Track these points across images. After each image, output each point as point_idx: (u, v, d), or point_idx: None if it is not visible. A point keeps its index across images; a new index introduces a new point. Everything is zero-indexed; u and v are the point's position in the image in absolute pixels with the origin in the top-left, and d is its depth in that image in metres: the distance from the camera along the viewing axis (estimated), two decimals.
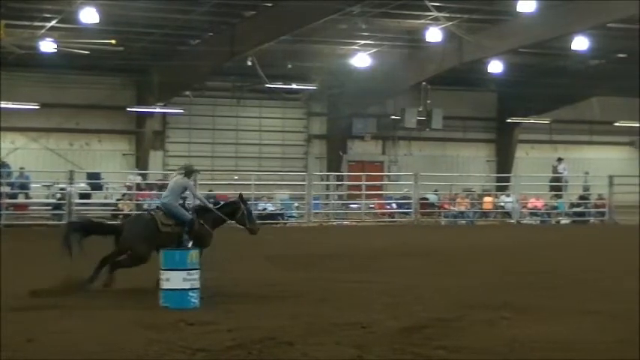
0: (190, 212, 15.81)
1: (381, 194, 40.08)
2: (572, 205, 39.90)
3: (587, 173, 42.23)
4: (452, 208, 38.81)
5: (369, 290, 16.00)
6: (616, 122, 50.08)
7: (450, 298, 15.05)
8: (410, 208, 36.76)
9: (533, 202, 39.47)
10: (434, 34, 37.41)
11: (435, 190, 39.74)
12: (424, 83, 43.40)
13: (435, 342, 11.18)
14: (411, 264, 20.72)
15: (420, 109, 44.54)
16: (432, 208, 38.39)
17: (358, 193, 39.12)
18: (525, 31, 36.99)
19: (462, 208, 38.57)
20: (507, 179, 42.45)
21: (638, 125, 50.78)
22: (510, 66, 42.59)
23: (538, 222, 38.31)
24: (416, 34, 38.31)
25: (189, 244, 15.31)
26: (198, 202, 16.37)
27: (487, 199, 39.57)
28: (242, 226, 16.46)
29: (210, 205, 16.33)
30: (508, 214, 38.43)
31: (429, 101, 44.45)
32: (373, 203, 38.87)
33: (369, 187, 39.45)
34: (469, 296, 15.24)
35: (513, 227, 36.00)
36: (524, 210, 38.72)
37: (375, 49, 40.90)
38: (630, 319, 12.98)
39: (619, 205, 38.90)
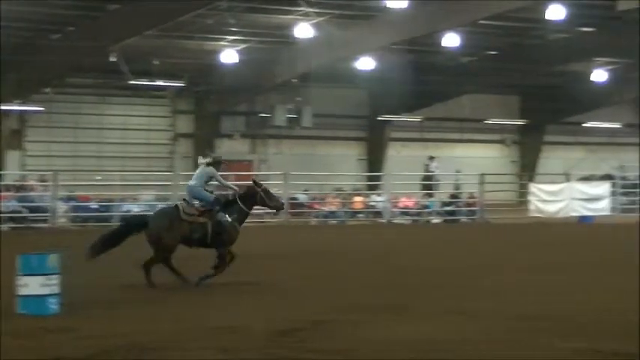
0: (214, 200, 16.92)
1: None
2: (444, 204, 40.49)
3: (458, 172, 42.88)
4: (322, 208, 38.99)
5: (239, 292, 15.93)
6: (487, 120, 51.03)
7: (322, 299, 15.07)
8: None
9: (404, 202, 39.90)
10: (304, 30, 37.50)
11: (305, 190, 39.90)
12: (294, 80, 43.49)
13: (305, 345, 11.16)
14: (281, 265, 20.72)
15: (290, 107, 44.66)
16: (302, 208, 38.50)
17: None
18: (396, 28, 37.37)
19: (333, 208, 38.79)
20: (378, 178, 42.86)
21: (508, 123, 51.94)
22: (381, 63, 42.98)
23: (409, 221, 38.75)
24: (286, 30, 38.34)
25: (226, 217, 16.63)
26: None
27: (357, 198, 39.89)
28: (266, 207, 17.78)
29: (237, 189, 17.42)
30: (379, 214, 38.78)
31: (299, 99, 44.60)
32: None
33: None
34: (341, 297, 15.28)
35: (384, 227, 36.33)
36: (395, 209, 39.13)
37: (243, 45, 40.79)
38: (499, 317, 13.22)
39: (490, 204, 39.65)
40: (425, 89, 45.65)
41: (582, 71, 47.17)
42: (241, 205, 17.05)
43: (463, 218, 39.75)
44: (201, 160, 17.43)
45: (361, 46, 39.38)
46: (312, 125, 45.39)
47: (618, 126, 54.26)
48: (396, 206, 39.32)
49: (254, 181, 17.72)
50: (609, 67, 47.47)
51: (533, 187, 40.75)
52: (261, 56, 41.45)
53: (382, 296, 15.44)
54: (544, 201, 39.68)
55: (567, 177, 42.01)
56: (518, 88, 50.57)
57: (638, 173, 44.04)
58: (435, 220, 39.26)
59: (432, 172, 41.58)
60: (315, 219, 38.26)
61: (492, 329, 12.33)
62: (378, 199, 39.39)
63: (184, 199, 16.92)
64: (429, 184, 41.23)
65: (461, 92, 48.82)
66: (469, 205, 40.02)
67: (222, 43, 40.76)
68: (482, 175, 39.51)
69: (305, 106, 44.66)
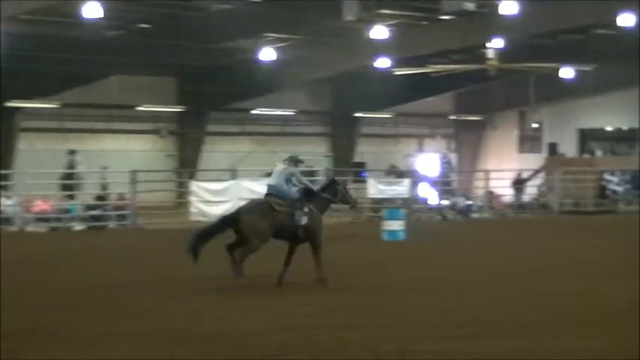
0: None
1: None
2: (89, 208, 40.15)
3: (105, 168, 42.65)
4: None
5: None
6: (138, 106, 51.00)
7: None
8: None
9: (39, 205, 39.34)
10: None
11: None
12: None
13: None
14: None
15: None
16: None
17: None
18: None
19: None
20: (6, 177, 41.82)
21: (164, 110, 52.11)
22: (8, 36, 41.84)
23: (47, 229, 38.21)
24: None
25: (304, 220, 19.57)
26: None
27: None
28: (344, 204, 21.18)
29: (317, 188, 20.55)
30: (8, 220, 37.98)
31: None
32: None
33: None
34: None
35: (14, 236, 35.52)
36: (28, 214, 38.51)
37: None
38: (183, 340, 13.51)
39: (143, 206, 39.70)
40: (63, 69, 45.03)
41: (249, 49, 47.88)
42: (324, 197, 20.34)
43: (112, 224, 39.61)
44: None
45: None
46: None
47: (292, 113, 55.66)
48: (29, 211, 38.69)
49: (333, 178, 22.09)
50: (279, 45, 48.46)
51: (195, 186, 41.14)
52: None
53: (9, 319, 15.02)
54: (207, 202, 40.09)
55: (234, 173, 42.64)
56: (175, 69, 50.85)
57: (319, 168, 45.32)
58: (78, 226, 38.94)
59: (74, 169, 41.16)
60: None
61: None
62: (7, 202, 38.58)
63: (268, 194, 19.87)
64: (70, 184, 40.82)
65: (107, 73, 48.61)
66: (118, 208, 39.91)
67: None
68: (134, 172, 39.47)
69: None
